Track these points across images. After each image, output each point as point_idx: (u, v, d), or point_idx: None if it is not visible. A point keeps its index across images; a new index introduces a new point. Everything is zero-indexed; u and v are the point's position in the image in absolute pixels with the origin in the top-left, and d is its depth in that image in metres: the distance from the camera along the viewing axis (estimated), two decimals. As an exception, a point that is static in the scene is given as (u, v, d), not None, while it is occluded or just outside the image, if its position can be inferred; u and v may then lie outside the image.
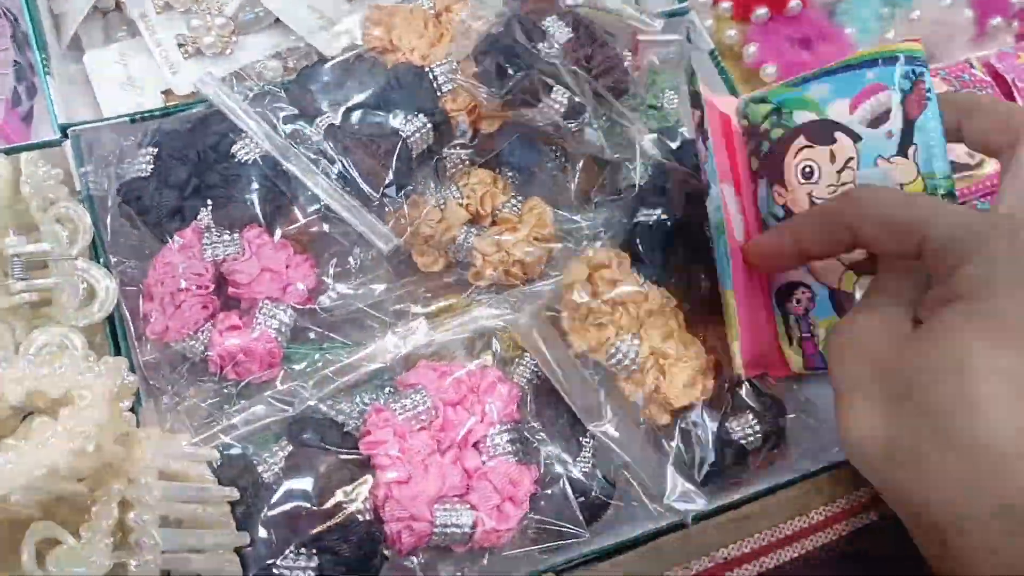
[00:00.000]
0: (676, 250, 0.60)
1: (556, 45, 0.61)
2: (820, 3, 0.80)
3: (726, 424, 0.58)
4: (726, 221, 0.55)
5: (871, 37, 0.79)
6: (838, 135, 0.54)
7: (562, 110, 0.60)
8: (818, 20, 0.78)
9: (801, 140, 0.55)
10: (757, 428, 0.58)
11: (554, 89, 0.60)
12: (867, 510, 0.54)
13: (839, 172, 0.54)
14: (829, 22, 0.79)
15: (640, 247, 0.60)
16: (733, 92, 0.71)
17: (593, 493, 0.55)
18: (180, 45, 0.68)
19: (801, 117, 0.56)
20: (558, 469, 0.55)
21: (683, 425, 0.57)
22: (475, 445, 0.55)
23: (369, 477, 0.52)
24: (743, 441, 0.58)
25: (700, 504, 0.55)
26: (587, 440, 0.56)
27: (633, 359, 0.55)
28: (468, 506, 0.52)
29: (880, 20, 0.80)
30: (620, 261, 0.57)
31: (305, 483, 0.51)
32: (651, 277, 0.58)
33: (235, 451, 0.52)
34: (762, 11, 0.76)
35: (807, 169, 0.55)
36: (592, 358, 0.56)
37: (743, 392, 0.58)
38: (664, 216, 0.60)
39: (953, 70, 0.79)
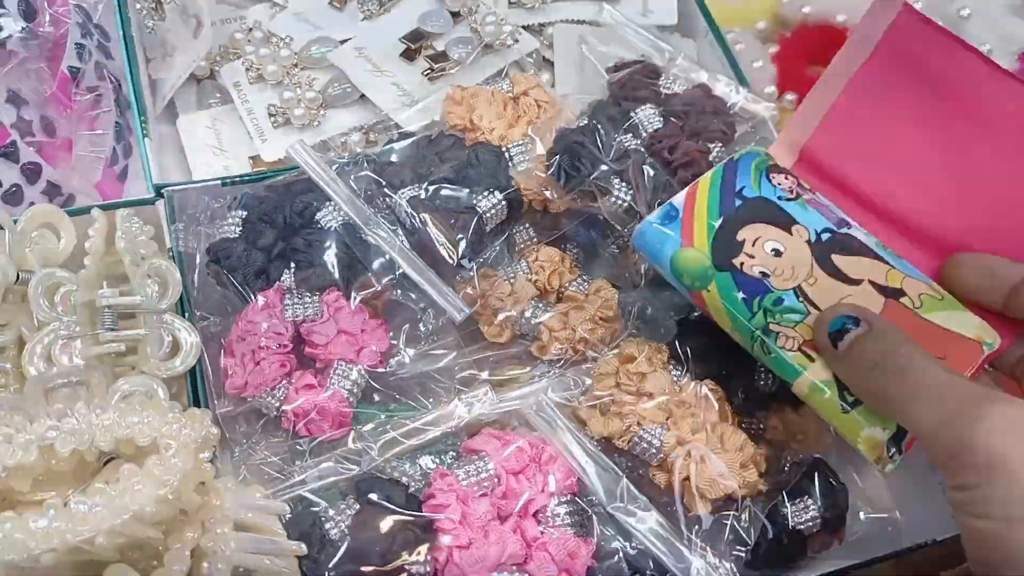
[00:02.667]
0: (720, 345, 0.59)
1: (643, 135, 0.63)
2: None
3: (783, 508, 0.59)
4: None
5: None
6: None
7: (622, 208, 0.62)
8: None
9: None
10: (815, 513, 0.58)
11: (614, 190, 0.62)
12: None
13: None
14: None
15: (679, 342, 0.61)
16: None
17: (649, 571, 0.56)
18: (271, 115, 0.72)
19: None
20: (615, 544, 0.56)
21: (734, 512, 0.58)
22: (535, 515, 0.56)
23: (431, 540, 0.53)
24: (801, 527, 0.58)
25: None
26: (655, 511, 0.57)
27: (659, 447, 0.56)
28: (526, 575, 0.53)
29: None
30: (651, 354, 0.58)
31: (370, 542, 0.52)
32: (696, 372, 0.59)
33: (305, 506, 0.54)
34: (825, 105, 0.78)
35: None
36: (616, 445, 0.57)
37: (805, 475, 0.58)
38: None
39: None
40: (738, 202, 0.58)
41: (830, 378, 0.53)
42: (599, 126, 0.65)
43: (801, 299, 0.55)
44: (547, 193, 0.63)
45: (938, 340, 0.53)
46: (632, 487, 0.56)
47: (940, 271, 0.57)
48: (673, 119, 0.66)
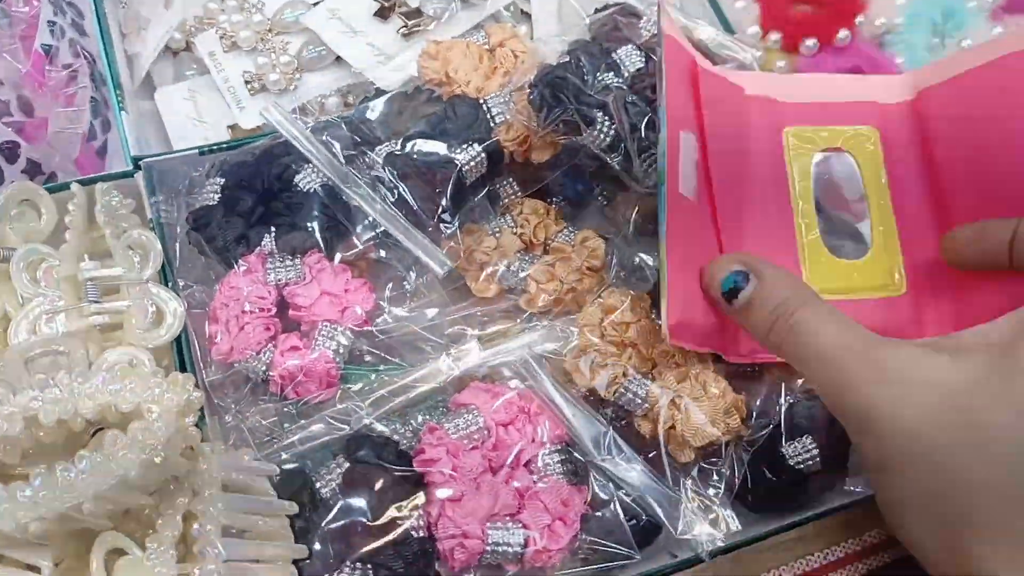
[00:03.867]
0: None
1: (625, 74, 0.63)
2: (869, 34, 0.80)
3: (781, 448, 0.58)
4: (668, 169, 0.54)
5: (921, 66, 0.79)
6: None
7: (605, 142, 0.61)
8: (867, 50, 0.79)
9: None
10: (815, 452, 0.58)
11: (597, 122, 0.61)
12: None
13: None
14: (879, 52, 0.79)
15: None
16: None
17: (644, 516, 0.55)
18: (247, 82, 0.71)
19: None
20: (609, 492, 0.56)
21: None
22: (526, 465, 0.56)
23: (423, 494, 0.53)
24: (800, 466, 0.57)
25: (719, 537, 0.55)
26: (642, 459, 0.57)
27: (644, 398, 0.56)
28: (520, 525, 0.53)
29: (930, 50, 0.80)
30: (634, 304, 0.58)
31: (361, 499, 0.52)
32: None
33: (294, 466, 0.54)
34: (811, 42, 0.77)
35: None
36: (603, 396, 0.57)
37: (802, 413, 0.58)
38: None
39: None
40: None
41: None
42: (580, 62, 0.64)
43: None
44: (528, 123, 0.62)
45: None
46: (618, 438, 0.56)
47: (941, 250, 0.56)
48: (654, 58, 0.65)
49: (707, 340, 0.55)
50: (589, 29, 0.69)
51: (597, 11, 0.70)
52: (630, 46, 0.65)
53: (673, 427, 0.55)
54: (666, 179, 0.53)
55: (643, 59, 0.65)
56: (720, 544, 0.55)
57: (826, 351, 0.46)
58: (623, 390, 0.56)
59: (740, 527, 0.56)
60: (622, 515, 0.55)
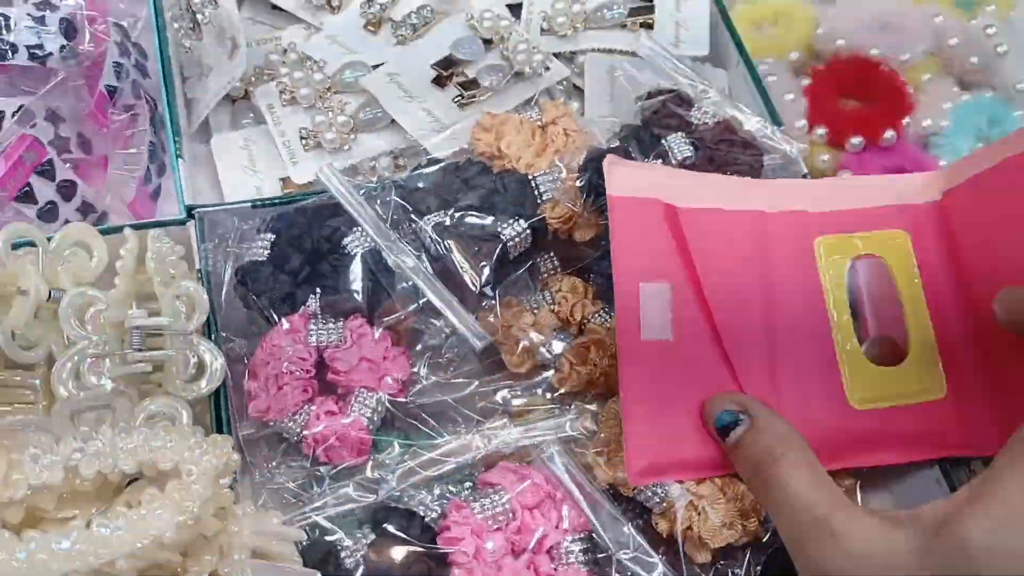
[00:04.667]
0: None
1: (673, 162, 0.64)
2: (915, 134, 0.81)
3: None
4: (623, 322, 0.56)
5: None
6: None
7: None
8: (912, 152, 0.80)
9: None
10: None
11: None
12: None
13: None
14: (923, 154, 0.80)
15: None
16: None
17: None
18: (302, 138, 0.72)
19: None
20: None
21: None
22: (549, 551, 0.56)
23: (445, 573, 0.53)
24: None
25: None
26: (661, 556, 0.57)
27: (663, 497, 0.56)
28: (538, 611, 0.54)
29: (975, 155, 0.81)
30: None
31: (384, 573, 0.53)
32: None
33: (321, 534, 0.54)
34: (857, 140, 0.78)
35: None
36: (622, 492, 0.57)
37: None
38: None
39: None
40: None
41: None
42: (628, 148, 0.65)
43: None
44: (574, 205, 0.63)
45: None
46: (637, 535, 0.56)
47: (993, 311, 0.56)
48: (703, 148, 0.66)
49: (676, 473, 0.56)
50: (640, 113, 0.70)
51: (650, 95, 0.71)
52: (679, 134, 0.67)
53: (690, 527, 0.55)
54: (617, 333, 0.56)
55: (691, 148, 0.66)
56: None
57: (794, 508, 0.48)
58: (642, 487, 0.56)
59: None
60: (639, 608, 0.56)
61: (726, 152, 0.67)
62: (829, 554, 0.46)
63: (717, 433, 0.54)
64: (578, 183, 0.63)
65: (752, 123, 0.71)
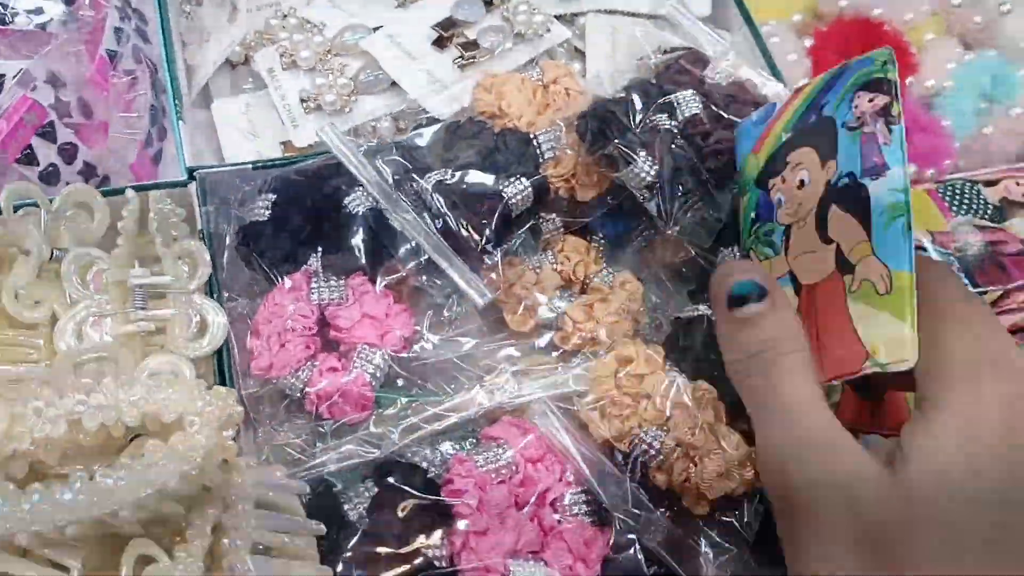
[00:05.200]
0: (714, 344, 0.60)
1: (680, 118, 0.64)
2: (918, 94, 0.81)
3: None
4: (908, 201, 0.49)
5: (969, 131, 0.79)
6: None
7: (645, 181, 0.62)
8: (915, 111, 0.79)
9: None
10: None
11: (640, 160, 0.61)
12: None
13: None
14: (926, 113, 0.80)
15: (678, 341, 0.61)
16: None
17: (667, 559, 0.56)
18: (303, 100, 0.72)
19: None
20: (632, 535, 0.56)
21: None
22: (552, 504, 0.56)
23: (448, 524, 0.54)
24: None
25: None
26: (663, 511, 0.57)
27: (658, 450, 0.56)
28: (542, 562, 0.54)
29: (978, 114, 0.81)
30: (648, 355, 0.58)
31: (387, 525, 0.53)
32: (691, 371, 0.59)
33: (325, 487, 0.54)
34: (860, 100, 0.77)
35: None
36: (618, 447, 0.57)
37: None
38: (705, 312, 0.61)
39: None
40: (813, 118, 0.55)
41: None
42: (634, 100, 0.65)
43: (783, 237, 0.53)
44: (578, 156, 0.63)
45: (837, 332, 0.50)
46: (635, 489, 0.56)
47: None
48: (712, 107, 0.66)
49: None
50: (654, 68, 0.70)
51: (665, 52, 0.71)
52: (690, 91, 0.66)
53: (687, 479, 0.55)
54: (907, 211, 0.48)
55: (700, 105, 0.65)
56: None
57: (792, 418, 0.48)
58: (638, 441, 0.56)
59: (759, 580, 0.56)
60: (643, 560, 0.56)
61: (736, 111, 0.67)
62: (816, 465, 0.46)
63: (728, 299, 0.51)
64: (577, 128, 0.62)
65: (770, 87, 0.71)
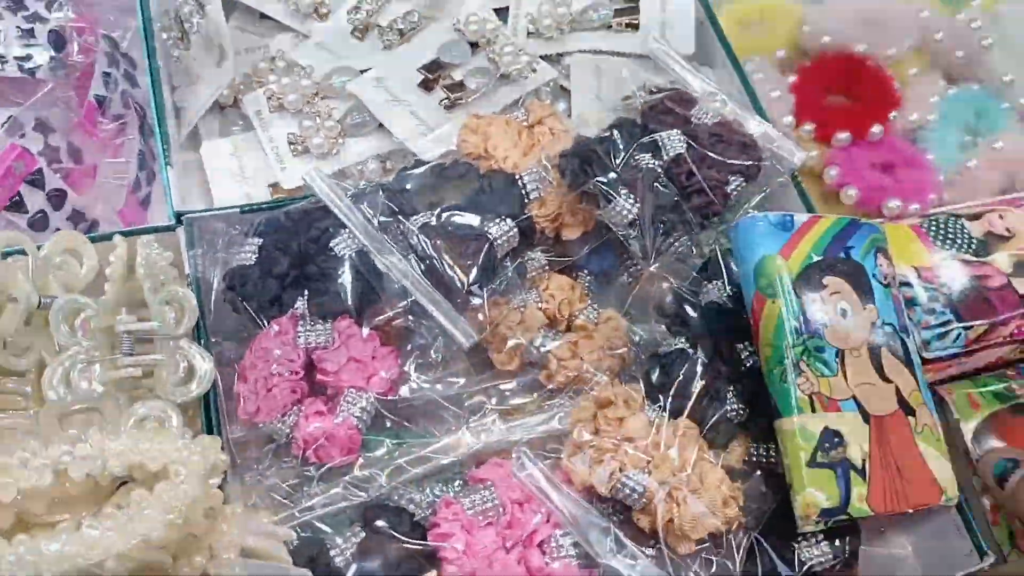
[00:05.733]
0: (697, 379, 0.61)
1: (665, 157, 0.64)
2: (902, 128, 0.81)
3: (794, 543, 0.59)
4: None
5: (953, 164, 0.80)
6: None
7: (627, 219, 0.62)
8: (900, 146, 0.80)
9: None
10: (827, 549, 0.59)
11: (621, 198, 0.62)
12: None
13: None
14: (911, 148, 0.80)
15: (655, 378, 0.61)
16: (811, 211, 0.72)
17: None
18: (291, 143, 0.73)
19: None
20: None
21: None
22: (539, 545, 0.56)
23: (436, 569, 0.54)
24: (812, 561, 0.58)
25: None
26: (650, 552, 0.57)
27: (642, 493, 0.56)
28: (530, 606, 0.54)
29: (962, 148, 0.81)
30: (627, 397, 0.59)
31: (375, 570, 0.53)
32: (671, 409, 0.59)
33: (311, 534, 0.54)
34: (844, 135, 0.78)
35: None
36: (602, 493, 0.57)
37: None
38: (684, 346, 0.62)
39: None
40: (842, 254, 0.63)
41: (816, 432, 0.57)
42: (618, 139, 0.66)
43: (838, 361, 0.60)
44: (562, 194, 0.64)
45: (915, 467, 0.59)
46: (620, 534, 0.56)
47: None
48: (697, 147, 0.67)
49: None
50: (639, 108, 0.71)
51: (651, 92, 0.72)
52: (674, 131, 0.67)
53: (671, 520, 0.55)
54: None
55: (684, 144, 0.66)
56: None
57: None
58: (621, 485, 0.56)
59: (747, 620, 0.56)
60: (631, 601, 0.56)
61: (721, 151, 0.67)
62: None
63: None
64: (560, 165, 0.63)
65: (755, 126, 0.71)
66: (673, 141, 0.66)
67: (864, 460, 0.57)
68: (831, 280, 0.62)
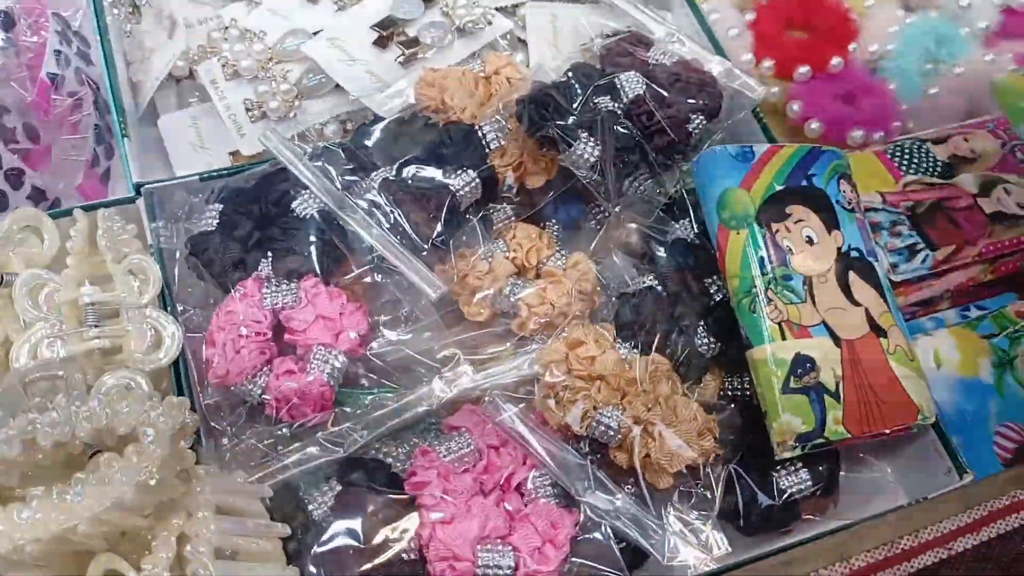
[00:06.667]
0: (667, 315, 0.61)
1: (624, 99, 0.64)
2: (862, 60, 0.81)
3: (773, 472, 0.59)
4: None
5: (915, 92, 0.80)
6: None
7: (588, 162, 0.62)
8: (861, 76, 0.80)
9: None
10: (806, 476, 0.59)
11: (581, 141, 0.62)
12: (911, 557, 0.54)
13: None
14: (872, 78, 0.80)
15: (625, 316, 0.62)
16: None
17: (633, 540, 0.56)
18: (248, 110, 0.72)
19: None
20: (599, 514, 0.56)
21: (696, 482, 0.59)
22: (517, 488, 0.56)
23: (414, 516, 0.54)
24: (792, 488, 0.58)
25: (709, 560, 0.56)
26: (630, 488, 0.57)
27: (617, 429, 0.56)
28: (510, 547, 0.54)
29: (924, 75, 0.81)
30: (597, 336, 0.59)
31: (353, 522, 0.53)
32: (642, 345, 0.60)
33: (287, 489, 0.54)
34: (804, 69, 0.78)
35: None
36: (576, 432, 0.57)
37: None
38: (653, 283, 0.62)
39: (1000, 123, 0.79)
40: (804, 182, 0.64)
41: (787, 359, 0.58)
42: (575, 83, 0.66)
43: (805, 288, 0.60)
44: (521, 143, 0.64)
45: (889, 388, 0.59)
46: (598, 472, 0.56)
47: None
48: (656, 87, 0.66)
49: None
50: (598, 52, 0.70)
51: (608, 36, 0.71)
52: (632, 72, 0.67)
53: (648, 455, 0.56)
54: None
55: (643, 86, 0.66)
56: (712, 567, 0.55)
57: None
58: (595, 423, 0.56)
59: (730, 549, 0.56)
60: (612, 538, 0.56)
61: (680, 91, 0.67)
62: None
63: None
64: (516, 112, 0.63)
65: (715, 64, 0.71)
66: (632, 82, 0.66)
67: (838, 384, 0.58)
68: (794, 208, 0.62)
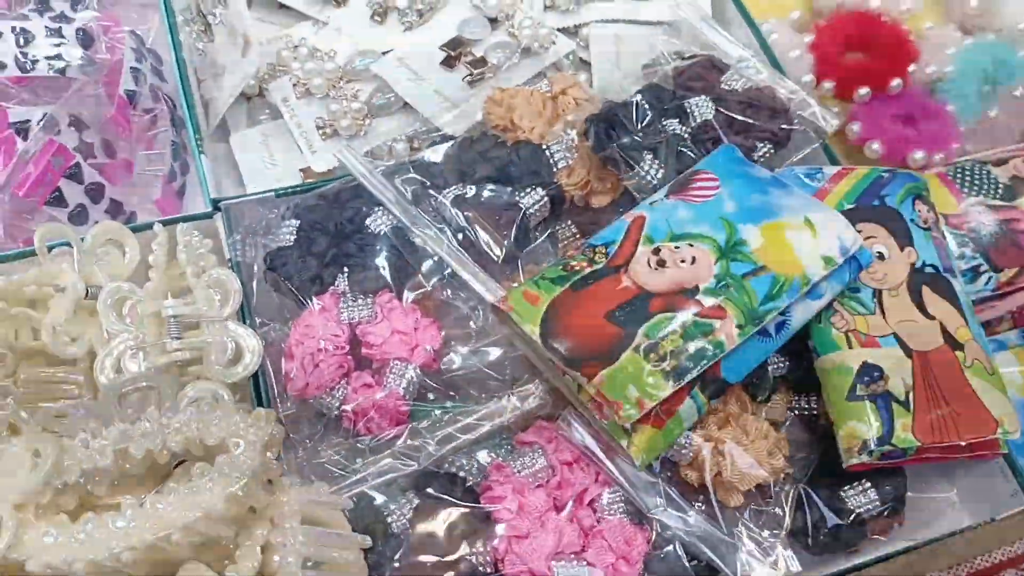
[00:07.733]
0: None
1: (692, 123, 0.65)
2: (921, 81, 0.82)
3: (841, 492, 0.60)
4: None
5: (973, 114, 0.80)
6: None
7: (651, 184, 0.63)
8: (920, 97, 0.80)
9: None
10: (874, 496, 0.60)
11: (645, 163, 0.63)
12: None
13: None
14: (931, 99, 0.81)
15: None
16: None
17: (706, 558, 0.56)
18: (319, 127, 0.74)
19: None
20: (671, 532, 0.57)
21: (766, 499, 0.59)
22: (590, 504, 0.57)
23: (490, 530, 0.55)
24: (859, 509, 0.59)
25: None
26: (700, 506, 0.58)
27: (688, 447, 0.57)
28: (584, 563, 0.55)
29: (982, 97, 0.81)
30: None
31: (431, 535, 0.54)
32: None
33: (367, 502, 0.55)
34: (864, 91, 0.79)
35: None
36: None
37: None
38: None
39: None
40: (875, 202, 0.64)
41: (854, 366, 0.58)
42: (645, 104, 0.67)
43: (875, 300, 0.61)
44: (588, 164, 0.65)
45: (966, 400, 0.58)
46: (669, 489, 0.57)
47: None
48: (726, 112, 0.67)
49: None
50: (671, 73, 0.71)
51: (682, 59, 0.72)
52: (703, 96, 0.67)
53: (719, 474, 0.56)
54: None
55: (712, 111, 0.67)
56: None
57: None
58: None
59: (800, 568, 0.57)
60: (684, 556, 0.56)
61: (750, 117, 0.68)
62: None
63: None
64: (584, 130, 0.64)
65: (787, 92, 0.71)
66: (701, 107, 0.67)
67: (908, 392, 0.58)
68: (864, 225, 0.63)
